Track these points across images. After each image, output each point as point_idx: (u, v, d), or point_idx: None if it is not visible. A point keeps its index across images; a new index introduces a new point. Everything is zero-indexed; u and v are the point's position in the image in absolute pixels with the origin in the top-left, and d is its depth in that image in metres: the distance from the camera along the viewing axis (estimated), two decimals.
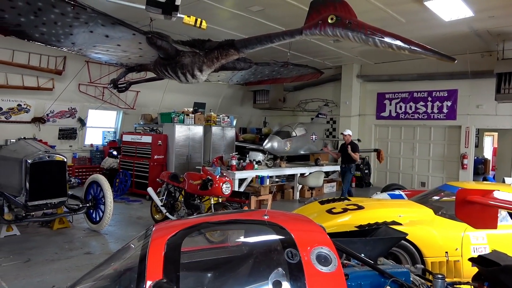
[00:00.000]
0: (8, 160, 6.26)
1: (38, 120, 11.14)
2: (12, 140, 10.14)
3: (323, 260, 1.89)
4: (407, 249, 4.25)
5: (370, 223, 4.35)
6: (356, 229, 4.15)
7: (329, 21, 4.91)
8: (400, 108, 12.98)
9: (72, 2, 4.83)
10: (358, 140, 13.40)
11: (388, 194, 7.29)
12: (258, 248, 2.19)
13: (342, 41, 10.19)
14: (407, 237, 3.63)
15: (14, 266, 5.02)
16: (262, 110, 16.44)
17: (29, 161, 5.88)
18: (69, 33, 5.76)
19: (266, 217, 2.17)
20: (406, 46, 4.58)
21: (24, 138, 9.77)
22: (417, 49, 4.58)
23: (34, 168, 5.92)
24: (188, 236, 2.05)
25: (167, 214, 7.04)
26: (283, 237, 2.01)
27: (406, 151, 13.17)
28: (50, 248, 5.79)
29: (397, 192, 7.45)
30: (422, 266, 3.18)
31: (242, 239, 2.47)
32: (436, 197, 5.62)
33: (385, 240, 2.95)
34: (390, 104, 13.23)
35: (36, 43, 6.12)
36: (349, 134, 9.49)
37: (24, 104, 10.79)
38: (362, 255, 2.54)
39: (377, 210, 4.98)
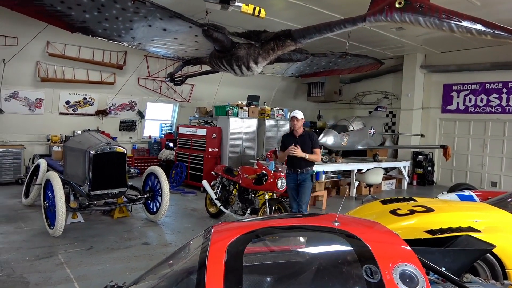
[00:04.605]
0: (74, 151, 6.58)
1: (101, 113, 11.71)
2: (78, 132, 10.77)
3: (408, 280, 1.60)
4: (487, 260, 3.77)
5: (442, 228, 3.94)
6: (427, 234, 3.77)
7: (397, 5, 4.48)
8: (470, 101, 11.90)
9: None
10: (421, 135, 12.57)
11: (456, 194, 6.65)
12: (329, 262, 1.93)
13: (406, 28, 9.56)
14: None
15: (77, 253, 5.25)
16: (317, 103, 15.97)
17: (92, 152, 6.11)
18: (129, 27, 5.88)
19: (336, 224, 1.92)
20: (488, 30, 4.04)
21: (89, 130, 10.31)
22: (502, 33, 4.01)
23: (96, 159, 6.14)
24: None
25: (221, 207, 7.02)
26: (359, 249, 1.74)
27: (475, 148, 12.07)
28: (110, 237, 6.00)
29: (466, 192, 6.75)
30: (510, 283, 2.77)
31: (308, 250, 2.22)
32: None
33: (468, 252, 2.58)
34: (458, 97, 12.18)
35: (99, 38, 6.33)
36: (302, 119, 5.78)
37: (89, 98, 11.39)
38: (443, 268, 2.22)
39: (449, 213, 4.50)
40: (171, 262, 2.19)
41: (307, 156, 5.61)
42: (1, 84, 9.70)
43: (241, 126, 10.60)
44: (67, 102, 11.04)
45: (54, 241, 5.68)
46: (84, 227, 6.49)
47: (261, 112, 11.32)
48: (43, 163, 7.77)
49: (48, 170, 7.33)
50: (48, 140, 10.81)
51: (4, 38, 9.19)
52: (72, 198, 6.44)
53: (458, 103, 12.21)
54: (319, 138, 9.90)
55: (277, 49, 6.23)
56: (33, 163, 9.53)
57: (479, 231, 3.91)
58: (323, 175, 9.26)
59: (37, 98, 10.48)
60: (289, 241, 2.27)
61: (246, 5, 4.47)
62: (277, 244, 2.23)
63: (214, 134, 10.36)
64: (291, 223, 2.19)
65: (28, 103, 10.38)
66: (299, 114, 5.77)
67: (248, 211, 6.61)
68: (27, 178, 8.14)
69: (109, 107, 11.85)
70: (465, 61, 11.82)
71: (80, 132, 10.64)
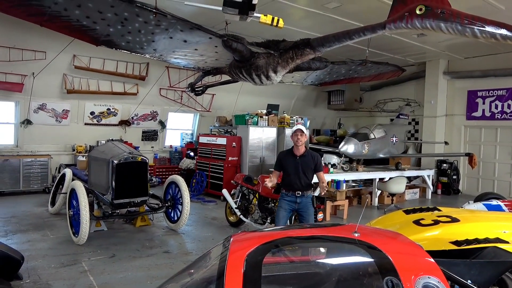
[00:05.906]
0: (98, 160, 6.74)
1: (124, 123, 11.99)
2: (102, 142, 11.04)
3: None
4: None
5: (468, 239, 3.82)
6: (452, 245, 3.65)
7: (417, 12, 4.43)
8: (496, 107, 11.54)
9: (154, 10, 5.02)
10: (446, 143, 12.26)
11: (483, 204, 6.43)
12: (349, 273, 1.90)
13: (428, 35, 9.40)
14: None
15: (100, 260, 5.35)
16: (337, 111, 15.87)
17: (115, 161, 6.24)
18: (151, 40, 6.03)
19: (356, 235, 1.89)
20: None
21: (112, 139, 10.56)
22: None
23: (119, 168, 6.26)
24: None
25: (241, 216, 7.03)
26: (380, 261, 1.70)
27: (503, 156, 11.67)
28: (132, 245, 6.09)
29: (494, 202, 6.51)
30: None
31: (328, 261, 2.19)
32: None
33: (495, 264, 2.48)
34: (484, 103, 11.84)
35: (122, 51, 6.53)
36: (306, 134, 5.20)
37: (113, 108, 11.69)
38: (469, 281, 2.14)
39: (475, 223, 4.35)
40: (190, 271, 2.21)
41: (325, 186, 5.03)
42: (30, 97, 10.09)
43: (260, 135, 10.62)
44: (92, 113, 11.37)
45: (78, 249, 5.81)
46: (107, 235, 6.62)
47: (281, 120, 11.32)
48: (68, 172, 7.99)
49: (73, 179, 7.54)
50: (74, 150, 11.13)
51: (34, 53, 9.59)
52: (96, 206, 6.60)
53: (483, 110, 11.87)
54: (340, 147, 9.82)
55: (296, 58, 6.25)
56: (59, 172, 9.82)
57: (507, 242, 3.75)
58: (344, 184, 9.14)
59: (63, 110, 10.84)
60: (309, 252, 2.24)
61: (264, 15, 4.51)
62: (296, 254, 2.20)
63: (234, 143, 10.42)
64: (310, 233, 2.17)
65: (55, 114, 10.75)
66: (304, 128, 5.16)
67: (268, 220, 6.58)
68: (54, 187, 8.39)
69: (132, 117, 12.12)
70: (490, 66, 11.51)
71: (104, 142, 10.90)
